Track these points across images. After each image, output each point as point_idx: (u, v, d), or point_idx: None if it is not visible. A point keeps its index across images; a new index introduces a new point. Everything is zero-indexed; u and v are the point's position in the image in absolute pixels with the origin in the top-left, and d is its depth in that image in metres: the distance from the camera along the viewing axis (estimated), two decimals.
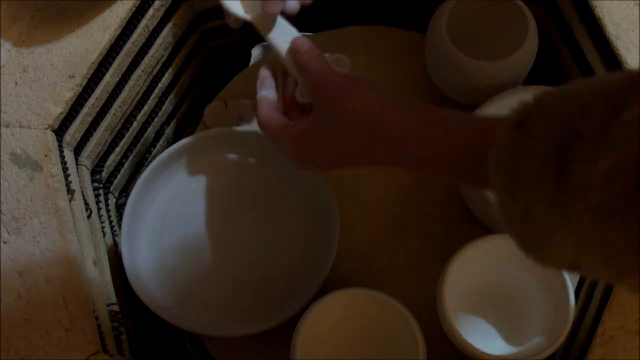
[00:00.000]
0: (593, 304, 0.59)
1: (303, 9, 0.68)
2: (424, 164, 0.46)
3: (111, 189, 0.73)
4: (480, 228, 0.64)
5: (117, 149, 0.72)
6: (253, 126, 0.69)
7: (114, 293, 0.62)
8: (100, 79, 0.66)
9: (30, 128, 0.61)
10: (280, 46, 0.62)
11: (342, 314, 0.59)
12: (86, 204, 0.64)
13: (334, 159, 0.51)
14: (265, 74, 0.58)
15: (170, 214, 0.67)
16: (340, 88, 0.50)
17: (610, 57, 0.63)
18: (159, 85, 0.75)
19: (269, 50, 0.77)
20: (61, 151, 0.62)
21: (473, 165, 0.42)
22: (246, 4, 0.62)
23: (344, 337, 0.60)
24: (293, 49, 0.55)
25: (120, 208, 0.73)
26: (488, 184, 0.38)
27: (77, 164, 0.65)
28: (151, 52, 0.72)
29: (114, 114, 0.69)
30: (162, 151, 0.67)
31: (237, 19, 0.62)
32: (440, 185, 0.69)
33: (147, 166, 0.66)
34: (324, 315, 0.58)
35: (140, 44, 0.69)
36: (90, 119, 0.66)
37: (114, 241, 0.68)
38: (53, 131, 0.62)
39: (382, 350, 0.59)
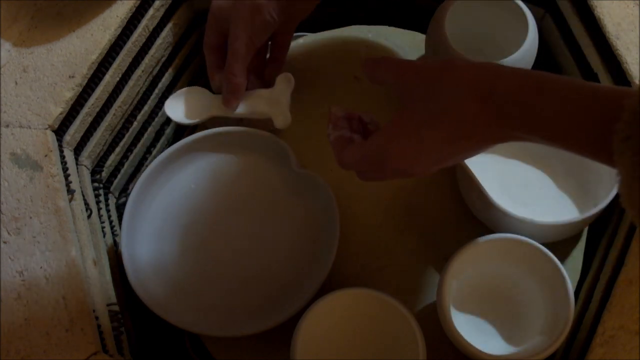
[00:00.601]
0: (593, 304, 0.59)
1: None
2: (540, 130, 0.42)
3: (111, 189, 0.73)
4: (480, 228, 0.64)
5: (117, 149, 0.72)
6: (253, 126, 0.69)
7: (114, 293, 0.62)
8: (100, 79, 0.66)
9: (30, 128, 0.61)
10: (241, 110, 0.67)
11: (342, 314, 0.59)
12: (86, 204, 0.64)
13: (434, 152, 0.46)
14: (337, 115, 0.54)
15: (170, 214, 0.67)
16: (435, 67, 0.46)
17: (610, 57, 0.63)
18: (159, 85, 0.76)
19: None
20: (61, 151, 0.62)
21: (594, 137, 0.39)
22: (193, 109, 0.69)
23: (344, 337, 0.60)
24: (366, 65, 0.52)
25: (120, 208, 0.73)
26: (612, 159, 0.36)
27: (77, 164, 0.65)
28: (151, 52, 0.72)
29: (114, 114, 0.69)
30: (162, 151, 0.67)
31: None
32: (441, 185, 0.69)
33: (147, 166, 0.67)
34: (324, 315, 0.58)
35: (141, 44, 0.70)
36: (90, 119, 0.66)
37: (114, 241, 0.68)
38: (53, 131, 0.62)
39: (382, 350, 0.59)
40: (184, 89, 0.70)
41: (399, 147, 0.48)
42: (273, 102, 0.68)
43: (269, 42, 0.70)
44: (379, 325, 0.59)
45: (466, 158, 0.49)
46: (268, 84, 0.70)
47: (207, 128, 0.70)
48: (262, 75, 0.70)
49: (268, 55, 0.71)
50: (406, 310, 0.56)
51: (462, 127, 0.45)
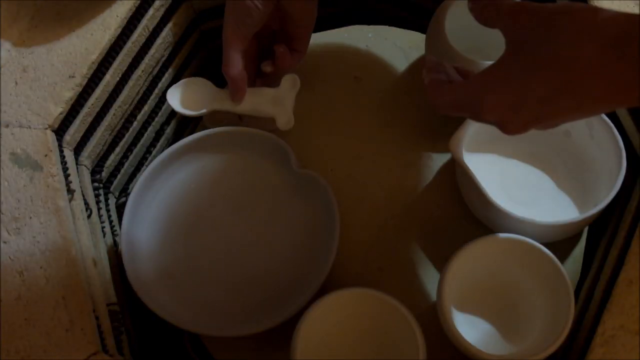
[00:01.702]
0: (593, 304, 0.59)
1: None
2: None
3: (111, 189, 0.73)
4: (480, 228, 0.64)
5: (117, 149, 0.72)
6: (253, 126, 0.69)
7: (114, 293, 0.62)
8: (100, 79, 0.66)
9: (30, 128, 0.61)
10: (245, 107, 0.67)
11: (342, 314, 0.59)
12: (86, 204, 0.64)
13: (534, 106, 0.41)
14: (433, 60, 0.51)
15: (170, 214, 0.67)
16: (552, 9, 0.41)
17: None
18: (159, 85, 0.76)
19: None
20: (61, 151, 0.62)
21: None
22: (196, 100, 0.69)
23: (344, 337, 0.60)
24: (474, 2, 0.48)
25: (120, 208, 0.73)
26: None
27: (77, 164, 0.65)
28: (151, 52, 0.72)
29: (114, 114, 0.69)
30: (162, 151, 0.67)
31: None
32: (441, 185, 0.69)
33: (147, 166, 0.67)
34: (324, 315, 0.58)
35: (140, 44, 0.70)
36: (90, 119, 0.66)
37: (114, 241, 0.68)
38: (53, 131, 0.62)
39: (382, 350, 0.59)
40: (187, 79, 0.69)
41: (494, 96, 0.43)
42: (277, 102, 0.68)
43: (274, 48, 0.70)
44: (379, 325, 0.59)
45: (568, 120, 0.43)
46: (274, 82, 0.69)
47: (207, 128, 0.70)
48: (276, 70, 0.69)
49: (291, 50, 0.69)
50: (406, 310, 0.56)
51: (574, 73, 0.39)
